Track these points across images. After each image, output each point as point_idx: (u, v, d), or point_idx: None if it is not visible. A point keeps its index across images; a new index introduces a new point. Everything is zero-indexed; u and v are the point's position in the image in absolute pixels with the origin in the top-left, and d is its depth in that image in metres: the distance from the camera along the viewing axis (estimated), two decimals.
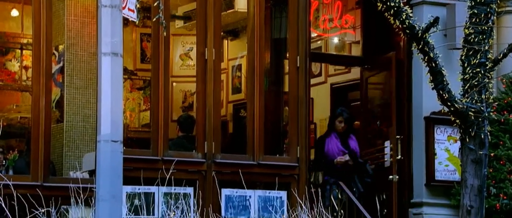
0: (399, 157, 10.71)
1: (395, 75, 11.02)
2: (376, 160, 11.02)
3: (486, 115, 7.69)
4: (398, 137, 10.78)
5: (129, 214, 8.83)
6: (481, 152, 7.05)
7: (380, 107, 11.50)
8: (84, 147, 9.48)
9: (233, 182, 9.89)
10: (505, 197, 10.46)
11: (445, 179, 10.87)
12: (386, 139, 10.99)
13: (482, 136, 7.31)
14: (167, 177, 9.01)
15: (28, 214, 8.03)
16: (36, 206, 8.19)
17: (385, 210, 10.50)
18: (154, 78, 9.58)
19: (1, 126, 8.73)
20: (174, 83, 11.93)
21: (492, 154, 10.48)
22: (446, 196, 10.82)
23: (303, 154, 10.17)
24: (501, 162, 10.66)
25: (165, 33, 9.54)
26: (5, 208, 8.04)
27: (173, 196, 9.17)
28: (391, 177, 10.53)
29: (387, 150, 10.79)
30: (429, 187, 10.88)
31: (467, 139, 7.22)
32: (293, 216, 9.36)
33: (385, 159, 10.82)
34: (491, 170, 10.46)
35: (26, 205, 8.14)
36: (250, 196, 9.71)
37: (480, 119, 7.51)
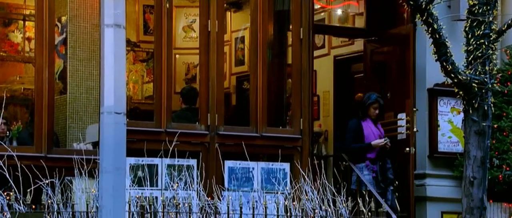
0: (416, 129, 10.67)
1: (412, 47, 10.94)
2: (387, 133, 11.00)
3: (490, 86, 7.68)
4: (414, 109, 10.75)
5: (132, 185, 8.86)
6: (484, 124, 7.04)
7: (386, 79, 11.47)
8: (88, 118, 9.49)
9: (236, 154, 9.91)
10: (508, 168, 10.47)
11: (448, 151, 10.87)
12: (391, 111, 10.98)
13: (486, 108, 7.31)
14: (171, 149, 9.04)
15: (32, 185, 8.06)
16: (40, 177, 8.22)
17: (396, 182, 10.50)
18: (157, 50, 9.57)
19: (5, 97, 8.75)
20: (177, 55, 11.90)
21: (495, 125, 10.47)
22: (449, 167, 10.83)
23: (306, 126, 10.17)
24: (504, 133, 10.66)
25: (168, 5, 9.52)
26: (9, 179, 8.07)
27: (176, 167, 9.20)
28: (408, 149, 10.56)
29: (402, 123, 10.80)
30: (432, 158, 10.89)
31: (471, 111, 7.21)
32: (296, 187, 9.39)
33: (401, 132, 10.81)
34: (494, 141, 10.46)
35: (30, 176, 8.17)
36: (253, 168, 9.72)
37: (483, 90, 7.50)
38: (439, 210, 10.76)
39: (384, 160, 10.18)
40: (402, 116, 10.84)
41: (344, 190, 9.47)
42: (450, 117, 10.95)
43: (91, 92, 9.51)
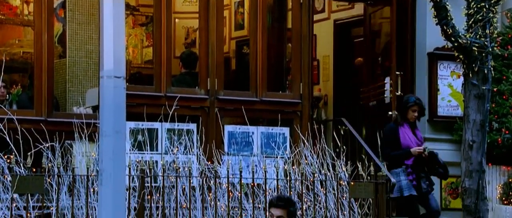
0: (399, 93, 10.65)
1: (396, 10, 10.89)
2: (376, 97, 11.00)
3: (490, 49, 7.66)
4: (398, 73, 10.73)
5: (132, 150, 8.88)
6: (484, 87, 7.04)
7: (383, 43, 11.44)
8: (87, 82, 9.48)
9: (236, 118, 9.92)
10: (507, 132, 10.49)
11: (448, 115, 10.88)
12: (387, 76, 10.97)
13: (485, 71, 7.29)
14: (170, 113, 9.05)
15: (32, 148, 8.08)
16: (40, 140, 8.24)
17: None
18: (157, 14, 9.54)
19: (4, 61, 8.73)
20: (176, 20, 11.86)
21: (495, 89, 10.48)
22: (448, 131, 10.85)
23: (306, 91, 10.17)
24: (504, 97, 10.67)
25: None
26: (10, 142, 8.09)
27: (176, 132, 9.21)
28: (390, 113, 10.53)
29: (387, 86, 10.75)
30: (431, 122, 10.90)
31: (470, 74, 7.21)
32: (295, 152, 9.41)
33: (385, 96, 10.79)
34: (493, 105, 10.47)
35: (30, 139, 8.19)
36: (253, 133, 9.74)
37: (483, 54, 7.48)
38: None
39: (421, 168, 9.43)
40: (387, 79, 10.82)
41: (344, 153, 9.50)
42: (450, 81, 10.95)
43: (90, 56, 9.49)
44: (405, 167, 9.28)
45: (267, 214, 6.75)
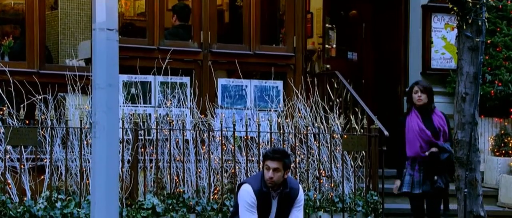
0: None
1: None
2: None
3: (484, 1, 7.61)
4: None
5: (126, 102, 8.88)
6: (478, 39, 7.02)
7: None
8: (80, 35, 9.44)
9: (229, 71, 9.91)
10: (500, 84, 10.52)
11: (441, 67, 10.89)
12: None
13: (479, 23, 7.26)
14: (163, 66, 9.03)
15: (25, 100, 8.07)
16: (33, 93, 8.23)
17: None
18: None
19: None
20: None
21: (488, 41, 10.48)
22: (441, 84, 10.87)
23: (300, 44, 10.15)
24: (498, 49, 10.67)
25: None
26: (2, 94, 8.07)
27: (169, 85, 9.20)
28: None
29: None
30: (425, 75, 10.91)
31: (464, 26, 7.17)
32: (289, 105, 9.42)
33: None
34: (487, 57, 10.48)
35: (22, 91, 8.17)
36: (246, 86, 9.73)
37: (477, 6, 7.43)
38: None
39: (427, 168, 8.14)
40: None
41: (337, 107, 9.52)
42: (444, 33, 10.93)
43: (82, 8, 9.42)
44: (410, 161, 8.22)
45: (262, 166, 6.77)
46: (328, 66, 11.18)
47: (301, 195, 6.86)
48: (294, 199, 6.79)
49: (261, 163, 7.00)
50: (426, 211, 8.20)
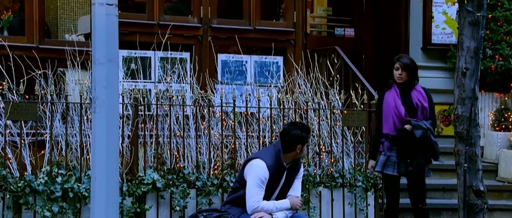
0: None
1: None
2: None
3: None
4: None
5: (125, 78, 8.87)
6: (479, 14, 6.99)
7: None
8: (79, 10, 9.42)
9: (229, 47, 9.90)
10: (500, 59, 10.51)
11: (442, 42, 10.88)
12: None
13: None
14: (163, 41, 9.02)
15: (24, 75, 8.07)
16: (32, 67, 8.22)
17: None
18: None
19: None
20: None
21: (489, 16, 10.46)
22: (442, 59, 10.86)
23: (300, 19, 10.13)
24: (498, 23, 10.65)
25: None
26: (2, 69, 8.06)
27: (169, 60, 9.20)
28: None
29: None
30: (425, 50, 10.90)
31: (465, 1, 7.14)
32: (289, 81, 9.41)
33: None
34: (488, 32, 10.47)
35: (22, 66, 8.17)
36: (246, 61, 9.72)
37: None
38: None
39: (400, 148, 7.70)
40: None
41: (337, 82, 9.50)
42: (445, 8, 10.91)
43: None
44: (386, 139, 7.75)
45: (301, 149, 6.79)
46: None
47: (302, 165, 7.01)
48: (298, 170, 6.89)
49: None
50: (408, 193, 7.82)
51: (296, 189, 6.91)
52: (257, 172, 6.61)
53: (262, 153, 6.93)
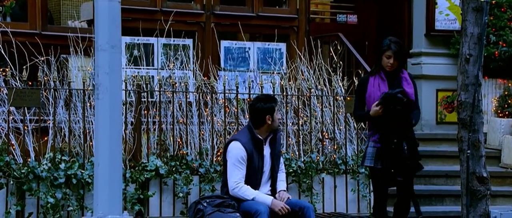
0: None
1: None
2: None
3: None
4: None
5: (128, 64, 8.87)
6: (483, 0, 6.97)
7: None
8: None
9: (232, 33, 9.89)
10: (504, 45, 10.49)
11: (445, 29, 10.85)
12: None
13: None
14: (166, 28, 9.01)
15: (27, 62, 8.06)
16: (35, 54, 8.22)
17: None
18: None
19: None
20: None
21: (493, 1, 10.43)
22: (445, 45, 10.84)
23: (303, 6, 10.12)
24: (502, 9, 10.63)
25: None
26: (5, 55, 8.06)
27: (172, 47, 9.19)
28: None
29: None
30: (428, 37, 10.88)
31: None
32: (292, 67, 9.40)
33: None
34: (491, 18, 10.45)
35: (25, 53, 8.17)
36: (249, 48, 9.72)
37: None
38: (434, 88, 10.83)
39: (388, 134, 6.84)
40: None
41: (340, 69, 9.49)
42: None
43: None
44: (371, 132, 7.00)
45: (271, 119, 6.74)
46: None
47: (280, 139, 7.02)
48: (279, 141, 6.90)
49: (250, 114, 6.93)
50: (396, 192, 7.01)
51: (282, 181, 6.91)
52: (233, 153, 6.66)
53: (237, 134, 7.03)
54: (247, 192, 6.64)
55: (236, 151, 6.66)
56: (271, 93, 8.67)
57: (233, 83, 8.73)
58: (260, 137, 6.72)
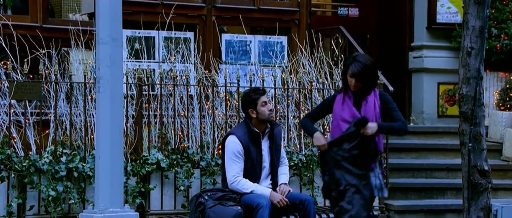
0: None
1: None
2: None
3: None
4: None
5: (129, 58, 8.87)
6: None
7: None
8: None
9: (233, 26, 9.89)
10: (505, 38, 10.48)
11: (447, 22, 10.84)
12: None
13: None
14: (167, 21, 9.00)
15: (28, 54, 8.06)
16: (36, 47, 8.22)
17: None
18: None
19: None
20: None
21: None
22: (447, 38, 10.83)
23: None
24: (504, 2, 10.62)
25: None
26: (6, 48, 8.06)
27: (173, 40, 9.18)
28: None
29: None
30: (430, 30, 10.87)
31: None
32: (293, 60, 9.40)
33: None
34: (493, 11, 10.43)
35: (26, 45, 8.16)
36: (250, 41, 9.71)
37: None
38: (435, 81, 10.83)
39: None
40: None
41: (342, 62, 9.48)
42: None
43: None
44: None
45: (255, 112, 6.76)
46: None
47: (280, 132, 7.02)
48: (279, 135, 6.92)
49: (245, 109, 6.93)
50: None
51: (283, 174, 6.92)
52: (230, 148, 6.73)
53: (234, 128, 7.09)
54: (245, 185, 6.66)
55: (232, 145, 6.71)
56: (272, 86, 8.66)
57: (234, 76, 8.72)
58: (256, 130, 6.73)
